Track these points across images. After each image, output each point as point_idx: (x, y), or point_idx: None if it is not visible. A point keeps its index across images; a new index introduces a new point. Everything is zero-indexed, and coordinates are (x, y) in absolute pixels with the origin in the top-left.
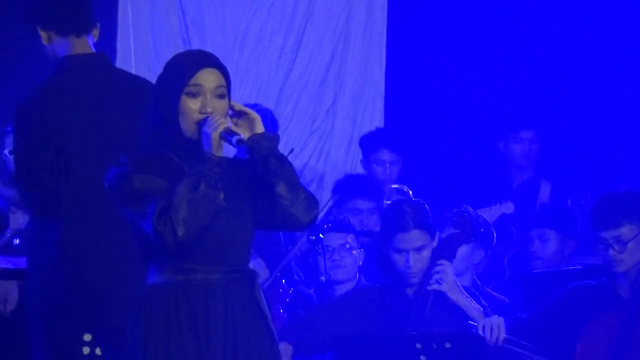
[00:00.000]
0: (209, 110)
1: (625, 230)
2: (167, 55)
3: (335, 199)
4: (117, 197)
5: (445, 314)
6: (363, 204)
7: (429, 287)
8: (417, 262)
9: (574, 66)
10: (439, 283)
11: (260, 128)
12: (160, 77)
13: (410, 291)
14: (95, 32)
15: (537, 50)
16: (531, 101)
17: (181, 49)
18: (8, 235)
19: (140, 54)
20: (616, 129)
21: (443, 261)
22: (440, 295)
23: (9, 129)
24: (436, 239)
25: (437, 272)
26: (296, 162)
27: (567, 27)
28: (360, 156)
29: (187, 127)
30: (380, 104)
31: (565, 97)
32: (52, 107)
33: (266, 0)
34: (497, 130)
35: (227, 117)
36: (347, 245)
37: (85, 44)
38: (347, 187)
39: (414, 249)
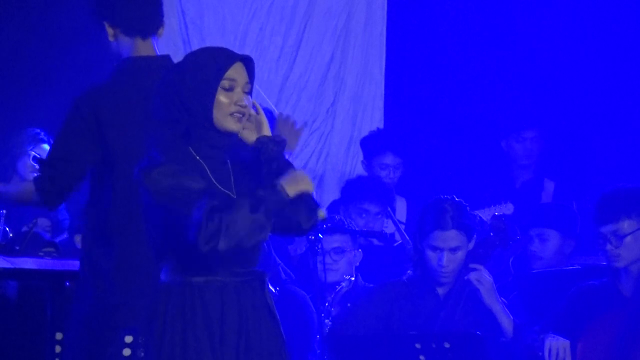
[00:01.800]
0: (244, 103)
1: (624, 225)
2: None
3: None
4: (150, 188)
5: (474, 319)
6: (371, 207)
7: (466, 277)
8: (450, 262)
9: (575, 65)
10: (478, 283)
11: (267, 131)
12: (189, 71)
13: (441, 291)
14: (161, 31)
15: (537, 48)
16: (533, 100)
17: (181, 49)
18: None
19: None
20: (619, 128)
21: (476, 265)
22: (472, 299)
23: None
24: (473, 241)
25: (474, 272)
26: (296, 162)
27: (567, 26)
28: (360, 156)
29: (222, 120)
30: (380, 103)
31: (568, 96)
32: (107, 109)
33: (266, 0)
34: (498, 130)
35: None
36: (340, 249)
37: (150, 46)
38: (357, 188)
39: (450, 249)
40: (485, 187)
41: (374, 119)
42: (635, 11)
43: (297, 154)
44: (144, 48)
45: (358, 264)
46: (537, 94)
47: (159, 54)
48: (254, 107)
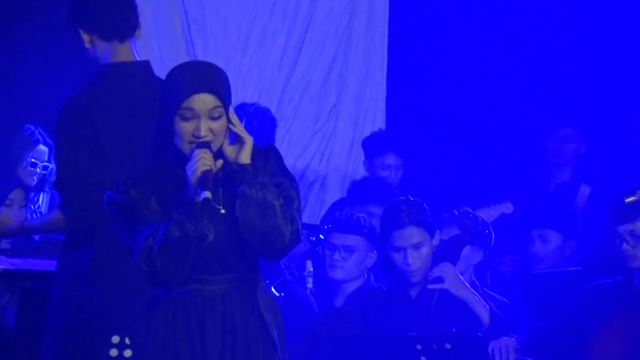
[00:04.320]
0: (202, 133)
1: None
2: (171, 55)
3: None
4: (113, 222)
5: (450, 315)
6: (375, 209)
7: (429, 286)
8: (415, 259)
9: (576, 65)
10: (441, 282)
11: (246, 157)
12: (160, 92)
13: (413, 293)
14: (138, 33)
15: (536, 49)
16: (541, 101)
17: (184, 49)
18: None
19: (142, 55)
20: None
21: (443, 263)
22: (445, 296)
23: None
24: (436, 237)
25: (437, 272)
26: (299, 163)
27: (562, 27)
28: (363, 157)
29: (182, 147)
30: (382, 104)
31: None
32: (100, 117)
33: (268, 0)
34: (519, 128)
35: (211, 154)
36: (350, 247)
37: (128, 51)
38: (362, 190)
39: (412, 246)
40: (483, 188)
41: (376, 120)
42: None
43: (299, 155)
44: (123, 52)
45: (370, 265)
46: (550, 94)
47: (138, 58)
48: (231, 132)
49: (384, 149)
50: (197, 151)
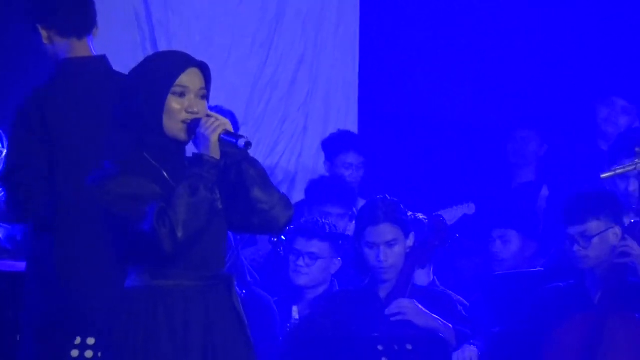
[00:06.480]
0: (195, 110)
1: (592, 226)
2: (129, 56)
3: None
4: (103, 200)
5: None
6: (332, 209)
7: (392, 319)
8: (388, 257)
9: (538, 67)
10: (402, 314)
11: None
12: (142, 75)
13: (383, 294)
14: (95, 31)
15: (501, 51)
16: (518, 101)
17: (148, 51)
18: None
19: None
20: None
21: (398, 300)
22: (414, 297)
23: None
24: (411, 238)
25: (395, 308)
26: (268, 162)
27: (526, 30)
28: None
29: (172, 126)
30: (353, 104)
31: (566, 98)
32: (50, 111)
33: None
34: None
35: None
36: (314, 255)
37: (86, 47)
38: (318, 190)
39: (385, 243)
40: (449, 187)
41: (348, 120)
42: (630, 10)
43: (268, 154)
44: (80, 48)
45: (334, 272)
46: (519, 95)
47: (95, 53)
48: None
49: (346, 148)
50: (205, 118)
